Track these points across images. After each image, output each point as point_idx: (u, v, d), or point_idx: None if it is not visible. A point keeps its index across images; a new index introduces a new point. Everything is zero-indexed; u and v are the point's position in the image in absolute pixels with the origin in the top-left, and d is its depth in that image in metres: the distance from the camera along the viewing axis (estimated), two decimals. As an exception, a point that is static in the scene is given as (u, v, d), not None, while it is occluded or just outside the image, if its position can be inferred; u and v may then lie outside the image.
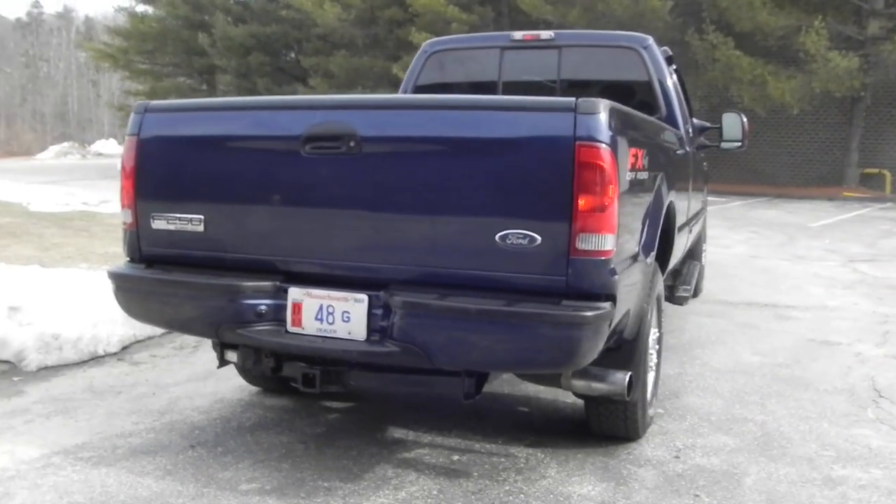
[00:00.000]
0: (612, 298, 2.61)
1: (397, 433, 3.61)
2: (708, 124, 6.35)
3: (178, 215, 3.03)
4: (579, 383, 2.98)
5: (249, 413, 3.83)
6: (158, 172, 3.10)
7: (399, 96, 3.54)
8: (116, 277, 3.12)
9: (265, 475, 3.11)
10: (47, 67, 65.82)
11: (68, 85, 62.83)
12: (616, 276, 2.63)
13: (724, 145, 6.24)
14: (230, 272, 2.98)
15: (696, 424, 3.80)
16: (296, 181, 2.87)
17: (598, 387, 2.97)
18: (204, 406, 3.90)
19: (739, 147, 6.19)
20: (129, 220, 3.14)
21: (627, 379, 2.94)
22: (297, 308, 2.86)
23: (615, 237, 2.58)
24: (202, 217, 3.01)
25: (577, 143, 2.51)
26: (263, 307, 2.88)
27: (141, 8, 33.71)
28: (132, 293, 3.12)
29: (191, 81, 33.33)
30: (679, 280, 5.65)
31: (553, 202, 2.54)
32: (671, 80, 4.91)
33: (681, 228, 4.63)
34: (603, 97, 4.97)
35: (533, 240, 2.57)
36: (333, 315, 2.81)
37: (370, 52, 25.62)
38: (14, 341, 4.43)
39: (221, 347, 3.13)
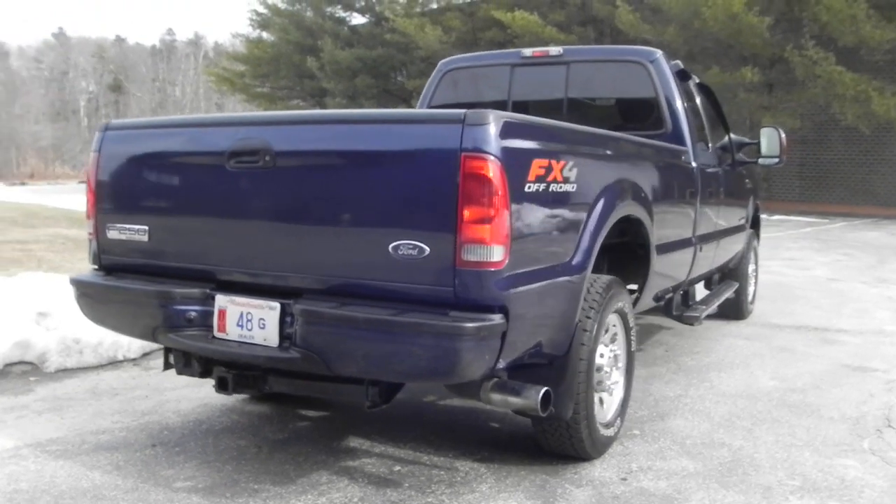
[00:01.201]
0: (503, 311, 2.59)
1: (354, 442, 3.67)
2: (747, 140, 6.16)
3: (126, 226, 3.23)
4: (497, 396, 2.95)
5: (225, 417, 3.98)
6: (113, 186, 3.31)
7: (306, 112, 3.63)
8: (75, 283, 3.36)
9: (204, 475, 3.24)
10: (176, 91, 70.06)
11: (195, 108, 66.55)
12: (511, 289, 2.61)
13: (761, 161, 6.03)
14: (169, 279, 3.14)
15: (666, 448, 3.66)
16: (222, 194, 3.01)
17: (513, 401, 2.93)
18: (186, 409, 4.08)
19: (777, 163, 5.96)
20: (91, 230, 3.37)
21: (542, 394, 2.89)
22: (223, 315, 2.99)
23: (505, 249, 2.56)
24: (146, 228, 3.19)
25: (463, 154, 2.52)
26: (193, 313, 3.02)
27: (256, 34, 35.51)
28: (87, 298, 3.34)
29: (304, 104, 34.69)
30: (696, 300, 5.47)
31: (440, 213, 2.56)
32: (680, 95, 4.78)
33: (678, 246, 4.49)
34: (608, 112, 4.95)
35: (422, 250, 2.59)
36: (252, 322, 2.91)
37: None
38: (38, 344, 4.78)
39: (165, 352, 3.29)
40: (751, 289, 6.87)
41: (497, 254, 2.55)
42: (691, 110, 5.09)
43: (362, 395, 2.89)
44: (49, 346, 4.78)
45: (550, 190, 2.81)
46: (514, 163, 2.61)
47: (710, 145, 5.26)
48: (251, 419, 3.97)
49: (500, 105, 5.21)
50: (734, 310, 6.62)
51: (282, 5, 33.95)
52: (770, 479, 3.30)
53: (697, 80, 5.61)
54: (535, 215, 2.75)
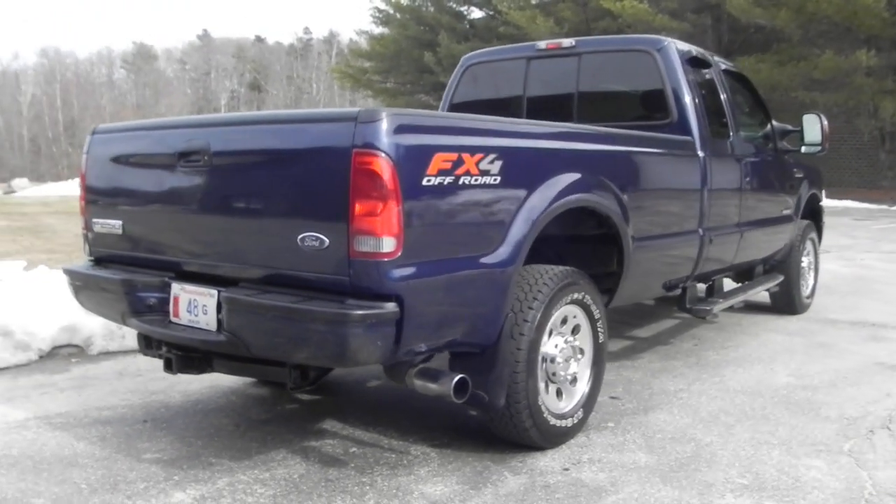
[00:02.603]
0: (397, 300, 2.70)
1: (329, 424, 3.86)
2: (789, 127, 5.90)
3: (106, 221, 3.57)
4: (418, 382, 3.06)
5: (223, 399, 4.28)
6: (97, 185, 3.65)
7: (239, 114, 3.81)
8: (67, 273, 3.73)
9: (174, 448, 3.52)
10: (315, 88, 72.84)
11: (329, 104, 69.01)
12: (407, 279, 2.71)
13: (804, 149, 5.78)
14: (140, 269, 3.45)
15: (630, 441, 3.64)
16: (175, 191, 3.28)
17: (431, 387, 3.03)
18: (193, 390, 4.41)
19: (820, 151, 5.69)
20: (83, 225, 3.73)
21: (455, 381, 2.97)
22: (176, 301, 3.25)
23: (396, 240, 2.67)
24: (120, 222, 3.51)
25: (354, 150, 2.65)
26: (153, 300, 3.31)
27: (379, 30, 36.46)
28: (75, 287, 3.69)
29: (426, 98, 35.32)
30: (717, 293, 5.33)
31: (335, 207, 2.69)
32: (688, 84, 4.66)
33: (675, 238, 4.42)
34: (617, 102, 4.91)
35: (323, 242, 2.74)
36: (198, 308, 3.16)
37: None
38: (84, 328, 5.26)
39: (139, 336, 3.61)
40: (806, 282, 6.56)
41: (388, 245, 2.66)
42: (708, 98, 4.96)
43: (286, 377, 3.09)
44: (94, 331, 5.25)
45: (461, 183, 2.88)
46: (409, 158, 2.70)
47: (733, 134, 5.09)
48: (247, 401, 4.24)
49: (515, 99, 5.28)
50: (786, 304, 6.36)
51: (403, 1, 34.71)
52: (717, 477, 3.23)
53: (725, 67, 5.44)
54: (438, 208, 2.83)
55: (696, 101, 4.70)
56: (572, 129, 3.82)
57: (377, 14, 36.80)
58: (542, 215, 3.22)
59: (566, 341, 3.56)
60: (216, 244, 3.19)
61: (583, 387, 3.69)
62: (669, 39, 4.81)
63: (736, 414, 4.02)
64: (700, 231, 4.62)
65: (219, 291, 3.05)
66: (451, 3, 32.73)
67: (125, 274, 3.41)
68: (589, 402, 3.72)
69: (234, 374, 3.39)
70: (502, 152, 3.07)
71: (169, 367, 3.35)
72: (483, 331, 3.13)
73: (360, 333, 2.65)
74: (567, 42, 5.14)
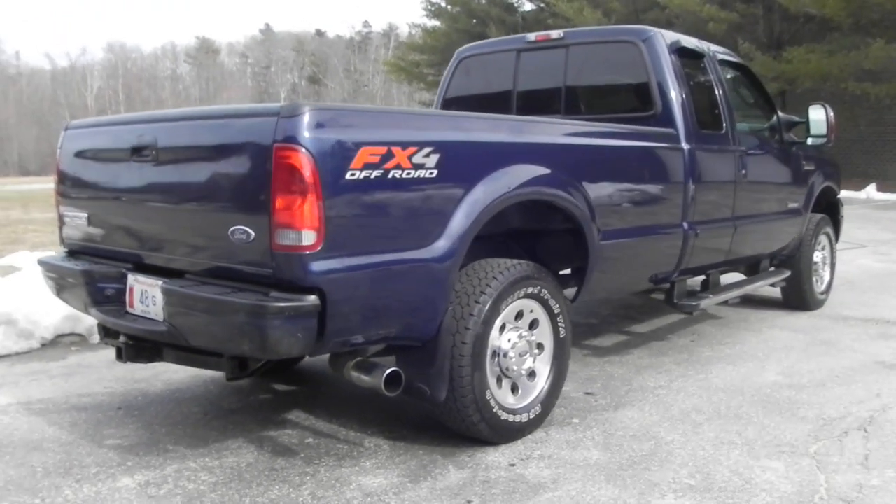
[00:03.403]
0: (319, 293, 2.72)
1: (294, 415, 3.90)
2: (796, 118, 5.73)
3: (74, 213, 3.68)
4: (354, 374, 3.08)
5: (202, 388, 4.36)
6: (67, 179, 3.77)
7: (183, 110, 3.84)
8: (40, 264, 3.85)
9: (136, 435, 3.61)
10: (368, 82, 73.42)
11: (386, 97, 69.45)
12: (329, 272, 2.73)
13: (810, 140, 5.62)
14: (104, 261, 3.55)
15: (588, 438, 3.59)
16: (130, 185, 3.35)
17: (365, 379, 3.05)
18: (176, 379, 4.50)
19: (826, 143, 5.52)
20: (57, 217, 3.85)
21: (386, 375, 2.98)
22: (132, 292, 3.33)
23: (316, 234, 2.68)
24: (86, 215, 3.62)
25: (275, 145, 2.67)
26: (111, 290, 3.40)
27: (431, 23, 36.54)
28: (47, 278, 3.82)
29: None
30: (712, 287, 5.22)
31: (259, 200, 2.72)
32: (674, 75, 4.56)
33: (653, 232, 4.34)
34: (603, 94, 4.85)
35: (249, 235, 2.78)
36: (149, 299, 3.23)
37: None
38: (88, 318, 5.41)
39: (98, 325, 3.71)
40: (820, 278, 6.36)
41: (308, 238, 2.68)
42: (699, 90, 4.85)
43: (224, 367, 3.15)
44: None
45: (391, 177, 2.88)
46: (331, 152, 2.71)
47: (727, 125, 4.96)
48: (223, 390, 4.32)
49: (505, 93, 5.24)
50: (797, 300, 6.18)
51: (455, -8, 34.69)
52: (665, 476, 3.17)
53: (723, 58, 5.30)
54: (363, 202, 2.82)
55: (683, 92, 4.59)
56: (522, 121, 3.79)
57: (429, 7, 36.92)
58: (485, 210, 3.19)
59: (521, 336, 3.51)
60: (165, 237, 3.26)
61: (541, 382, 3.66)
62: (656, 30, 4.71)
63: (708, 412, 3.93)
64: (684, 225, 4.53)
65: (163, 282, 3.12)
66: (502, -5, 32.61)
67: (86, 265, 3.51)
68: (549, 398, 3.68)
69: (179, 364, 3.45)
70: (439, 146, 3.05)
71: (120, 356, 3.44)
72: (421, 325, 3.12)
73: (278, 325, 2.68)
74: (556, 34, 5.07)
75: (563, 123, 3.98)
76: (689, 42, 4.92)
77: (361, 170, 2.79)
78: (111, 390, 4.32)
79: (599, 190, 3.88)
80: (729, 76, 5.25)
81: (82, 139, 3.69)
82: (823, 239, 6.35)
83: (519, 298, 3.47)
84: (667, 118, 4.52)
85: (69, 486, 3.07)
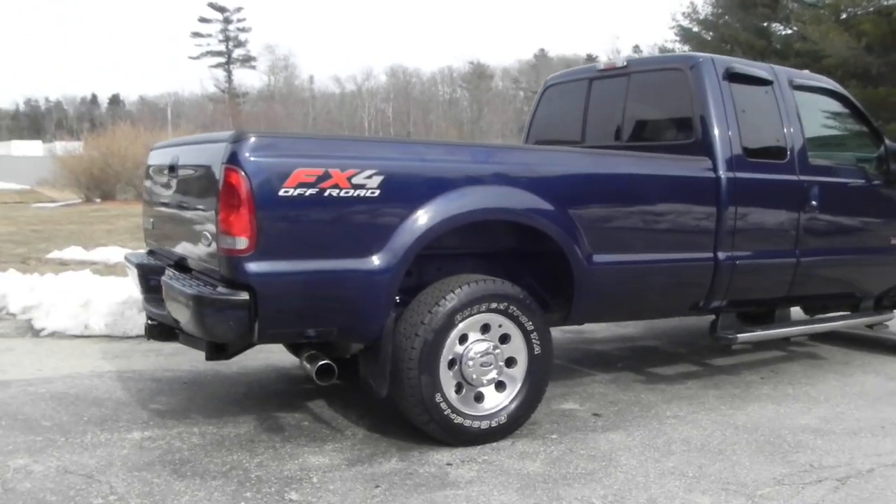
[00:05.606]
0: (250, 290, 3.21)
1: (315, 403, 4.40)
2: (902, 146, 5.29)
3: (147, 219, 4.54)
4: (304, 363, 3.53)
5: (262, 374, 5.01)
6: (144, 191, 4.63)
7: (192, 136, 4.40)
8: (125, 258, 4.73)
9: (177, 402, 4.35)
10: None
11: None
12: (261, 274, 3.20)
13: (910, 175, 5.17)
14: (161, 258, 4.32)
15: (545, 452, 3.71)
16: (169, 196, 4.10)
17: (306, 367, 3.48)
18: (248, 365, 5.18)
19: None
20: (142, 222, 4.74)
21: (317, 367, 3.39)
22: (164, 284, 4.06)
23: (249, 240, 3.17)
24: (151, 220, 4.45)
25: (224, 165, 3.23)
26: (154, 281, 4.13)
27: (682, 47, 35.58)
28: (129, 270, 4.66)
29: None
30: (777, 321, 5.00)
31: (214, 211, 3.30)
32: (718, 102, 4.48)
33: (668, 262, 4.31)
34: (654, 121, 4.94)
35: (209, 239, 3.38)
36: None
37: (889, 82, 22.87)
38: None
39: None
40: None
41: (241, 243, 3.19)
42: (755, 117, 4.69)
43: (203, 347, 3.74)
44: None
45: (326, 195, 3.29)
46: (265, 172, 3.20)
47: (792, 153, 4.74)
48: (280, 376, 4.95)
49: (578, 120, 5.42)
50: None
51: (709, 16, 33.63)
52: (577, 494, 3.25)
53: (803, 83, 5.04)
54: (296, 215, 3.26)
55: (728, 120, 4.50)
56: (486, 147, 4.07)
57: (681, 31, 36.07)
58: (432, 229, 3.49)
59: (489, 349, 3.73)
60: (181, 239, 3.95)
61: (511, 394, 3.84)
62: (707, 56, 4.64)
63: (692, 445, 3.86)
64: (719, 255, 4.43)
65: (163, 277, 3.79)
66: (754, 20, 31.05)
67: (142, 260, 4.32)
68: (519, 410, 3.85)
69: (185, 345, 4.06)
70: (383, 169, 3.42)
71: (147, 333, 4.19)
72: (360, 327, 3.50)
73: (212, 314, 3.23)
74: (620, 62, 5.16)
75: (537, 150, 4.15)
76: (750, 68, 4.78)
77: (296, 188, 3.25)
78: (193, 368, 5.12)
79: (588, 215, 3.98)
80: (812, 105, 4.99)
81: (154, 157, 4.52)
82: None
83: (481, 312, 3.70)
84: (705, 146, 4.47)
85: (92, 432, 3.84)
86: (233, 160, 3.20)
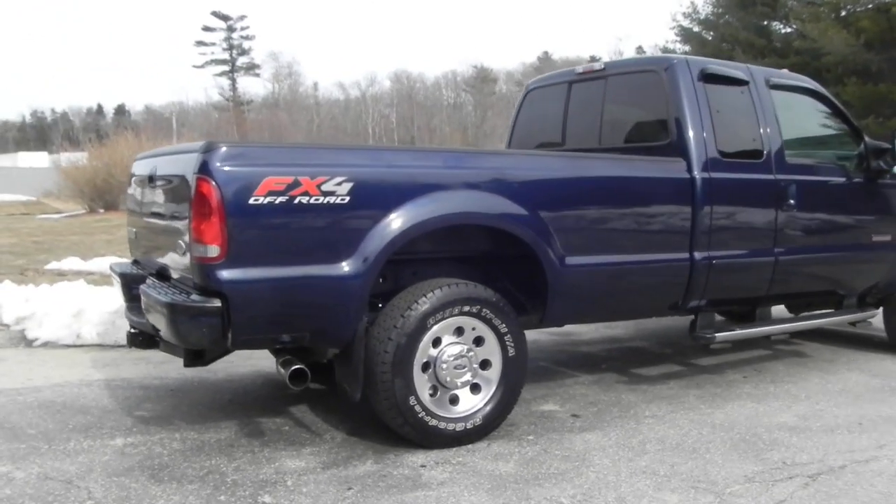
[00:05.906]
0: (221, 297, 3.27)
1: (297, 408, 4.45)
2: (885, 145, 5.33)
3: (129, 229, 4.61)
4: (280, 368, 3.59)
5: (249, 380, 5.07)
6: (128, 199, 4.70)
7: (168, 147, 4.46)
8: (110, 268, 4.80)
9: (162, 409, 4.40)
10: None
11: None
12: (232, 281, 3.26)
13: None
14: (142, 268, 4.39)
15: (519, 453, 3.75)
16: (147, 206, 4.16)
17: (281, 371, 3.54)
18: (235, 372, 5.25)
19: None
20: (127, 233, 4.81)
21: (290, 371, 3.45)
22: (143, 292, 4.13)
23: (220, 248, 3.23)
24: (134, 230, 4.51)
25: (195, 175, 3.29)
26: (136, 290, 4.20)
27: (683, 48, 35.59)
28: (113, 279, 4.74)
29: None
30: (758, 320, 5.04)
31: (186, 220, 3.36)
32: (692, 103, 4.53)
33: (643, 263, 4.35)
34: (630, 123, 4.99)
35: (183, 247, 3.44)
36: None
37: (888, 78, 22.82)
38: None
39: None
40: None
41: (212, 251, 3.25)
42: (730, 117, 4.73)
43: (181, 354, 3.80)
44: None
45: (297, 203, 3.35)
46: (235, 181, 3.25)
47: (768, 153, 4.78)
48: (265, 382, 5.00)
49: (558, 124, 5.47)
50: (899, 341, 5.64)
51: (710, 16, 33.61)
52: (546, 494, 3.30)
53: (780, 82, 5.08)
54: (266, 223, 3.32)
55: (703, 121, 4.54)
56: (454, 152, 4.11)
57: (682, 31, 36.07)
58: (403, 233, 3.55)
59: (463, 352, 3.79)
60: (160, 249, 4.01)
61: (485, 396, 3.89)
62: (682, 58, 4.69)
63: (667, 444, 3.90)
64: (695, 255, 4.47)
65: (142, 286, 3.86)
66: (754, 19, 31.05)
67: (124, 270, 4.39)
68: (494, 411, 3.90)
69: (164, 352, 4.12)
70: (352, 176, 3.48)
71: (129, 341, 4.25)
72: (332, 332, 3.55)
73: (185, 321, 3.29)
74: (598, 65, 5.21)
75: (507, 154, 4.20)
76: (726, 69, 4.82)
77: (265, 196, 3.31)
78: (181, 375, 5.17)
79: (560, 217, 4.03)
80: (790, 104, 5.02)
81: (135, 168, 4.59)
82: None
83: (454, 316, 3.75)
84: (680, 147, 4.51)
85: (76, 440, 3.90)
86: (203, 170, 3.26)
